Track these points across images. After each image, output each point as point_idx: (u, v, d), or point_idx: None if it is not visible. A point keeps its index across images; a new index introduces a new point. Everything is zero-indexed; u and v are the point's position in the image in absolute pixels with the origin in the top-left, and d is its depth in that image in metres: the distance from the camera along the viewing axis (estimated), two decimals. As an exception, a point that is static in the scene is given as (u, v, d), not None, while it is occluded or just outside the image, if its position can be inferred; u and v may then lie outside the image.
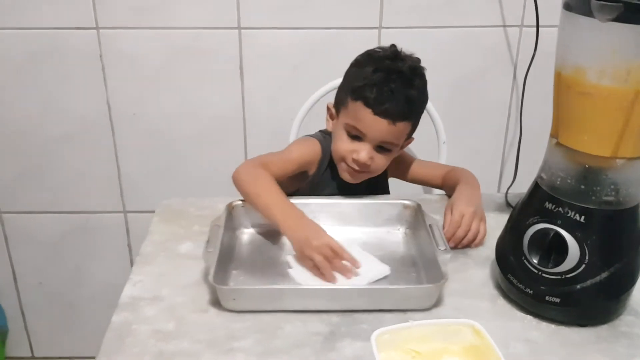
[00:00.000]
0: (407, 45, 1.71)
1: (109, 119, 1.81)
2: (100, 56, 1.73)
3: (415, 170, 1.37)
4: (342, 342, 0.90)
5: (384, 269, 1.05)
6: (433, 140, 1.61)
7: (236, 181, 1.16)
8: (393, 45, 1.25)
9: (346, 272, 1.02)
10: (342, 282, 1.01)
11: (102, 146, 1.85)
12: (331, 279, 1.01)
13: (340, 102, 1.25)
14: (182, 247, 1.13)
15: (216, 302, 0.97)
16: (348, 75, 1.26)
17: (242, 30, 1.71)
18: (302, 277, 1.03)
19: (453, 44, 1.74)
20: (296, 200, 1.14)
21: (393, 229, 1.18)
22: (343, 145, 1.22)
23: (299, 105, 1.60)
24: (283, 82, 1.76)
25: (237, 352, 0.88)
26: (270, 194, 1.12)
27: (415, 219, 1.16)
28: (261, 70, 1.76)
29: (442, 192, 1.35)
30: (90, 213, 1.95)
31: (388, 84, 1.16)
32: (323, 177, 1.30)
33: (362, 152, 1.19)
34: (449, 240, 1.10)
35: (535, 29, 1.56)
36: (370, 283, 1.02)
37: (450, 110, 1.72)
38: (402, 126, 1.19)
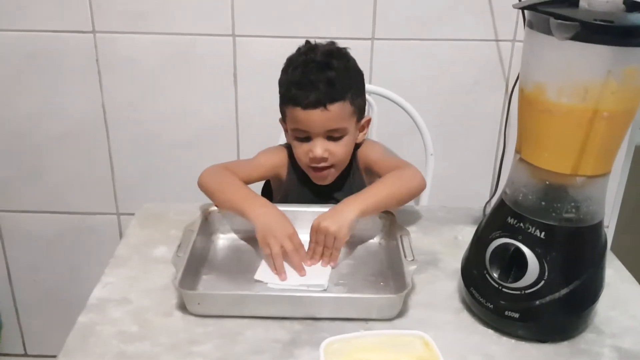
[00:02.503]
0: (399, 56, 1.74)
1: (104, 122, 1.84)
2: (97, 60, 1.76)
3: (376, 164, 1.33)
4: (302, 349, 0.91)
5: (322, 282, 1.05)
6: (421, 152, 1.62)
7: (201, 184, 1.21)
8: (307, 42, 1.28)
9: (299, 270, 1.05)
10: (287, 283, 1.04)
11: (96, 148, 1.87)
12: (280, 271, 1.04)
13: (282, 114, 1.29)
14: (157, 251, 1.15)
15: (182, 307, 0.99)
16: (279, 86, 1.29)
17: (237, 38, 1.73)
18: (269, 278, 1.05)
19: (445, 57, 1.75)
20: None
21: (367, 238, 1.19)
22: (298, 151, 1.25)
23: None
24: (275, 89, 1.77)
25: (195, 357, 0.89)
26: (235, 188, 1.17)
27: (390, 229, 1.17)
28: (255, 77, 1.77)
29: (418, 204, 1.36)
30: (85, 214, 1.98)
31: (306, 76, 1.19)
32: (297, 185, 1.32)
33: (316, 148, 1.22)
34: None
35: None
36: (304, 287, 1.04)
37: (441, 122, 1.73)
38: (337, 108, 1.20)
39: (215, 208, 1.19)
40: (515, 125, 1.56)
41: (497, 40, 1.73)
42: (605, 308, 1.01)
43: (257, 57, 1.75)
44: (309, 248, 1.10)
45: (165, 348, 0.91)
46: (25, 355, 2.23)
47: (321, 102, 1.18)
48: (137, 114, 1.83)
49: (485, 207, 1.32)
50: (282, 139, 1.60)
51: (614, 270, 1.13)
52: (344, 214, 1.09)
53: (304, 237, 1.11)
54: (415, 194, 1.22)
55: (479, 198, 1.84)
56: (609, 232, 1.97)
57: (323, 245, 1.08)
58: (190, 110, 1.82)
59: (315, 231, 1.08)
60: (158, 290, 1.04)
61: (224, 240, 1.19)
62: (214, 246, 1.17)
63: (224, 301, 0.97)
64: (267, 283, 1.05)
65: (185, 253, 1.03)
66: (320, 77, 1.19)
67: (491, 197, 1.40)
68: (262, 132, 1.81)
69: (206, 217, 1.17)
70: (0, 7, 1.70)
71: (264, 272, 1.07)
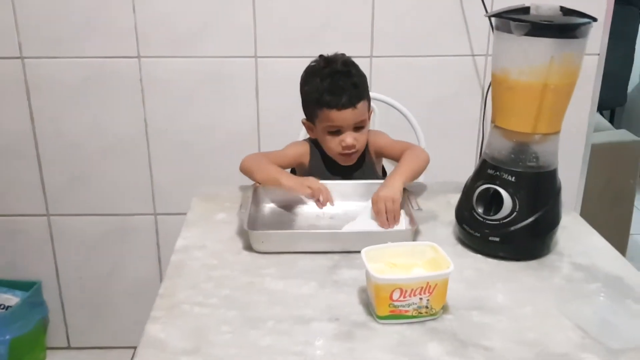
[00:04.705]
0: (393, 70, 2.09)
1: (145, 134, 2.17)
2: (140, 80, 2.09)
3: (386, 148, 1.66)
4: (342, 270, 1.24)
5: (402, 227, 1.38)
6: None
7: (242, 168, 1.54)
8: (321, 55, 1.60)
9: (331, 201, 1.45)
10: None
11: (138, 157, 2.20)
12: (327, 200, 1.44)
13: (311, 115, 1.60)
14: (218, 216, 1.47)
15: (248, 248, 1.31)
16: (304, 94, 1.60)
17: (258, 59, 2.08)
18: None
19: (431, 69, 2.11)
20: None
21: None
22: (331, 143, 1.57)
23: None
24: (291, 102, 2.09)
25: (264, 276, 1.22)
26: (270, 167, 1.52)
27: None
28: (274, 92, 2.12)
29: (423, 179, 1.68)
30: (126, 215, 2.28)
31: (336, 83, 1.52)
32: (321, 169, 1.64)
33: (347, 138, 1.54)
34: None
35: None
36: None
37: (430, 122, 2.06)
38: (362, 105, 1.54)
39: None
40: (489, 121, 1.93)
41: (473, 55, 2.10)
42: (564, 240, 1.35)
43: (275, 75, 2.10)
44: (379, 220, 1.38)
45: (241, 272, 1.23)
46: (69, 347, 2.48)
47: (351, 103, 1.51)
48: (173, 126, 2.16)
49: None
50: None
51: (572, 219, 1.47)
52: (394, 184, 1.41)
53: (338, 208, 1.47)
54: (427, 165, 1.56)
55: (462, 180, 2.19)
56: (575, 216, 2.31)
57: (386, 211, 1.37)
58: (218, 122, 2.15)
59: (376, 202, 1.38)
60: (226, 239, 1.36)
61: (268, 208, 1.51)
62: (261, 212, 1.49)
63: (282, 238, 1.31)
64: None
65: (246, 209, 1.36)
66: (347, 82, 1.52)
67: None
68: (280, 140, 2.12)
69: (255, 190, 1.49)
70: (60, 38, 2.04)
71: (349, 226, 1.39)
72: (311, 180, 1.47)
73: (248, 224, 1.32)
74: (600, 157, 2.46)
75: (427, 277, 1.04)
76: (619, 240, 2.63)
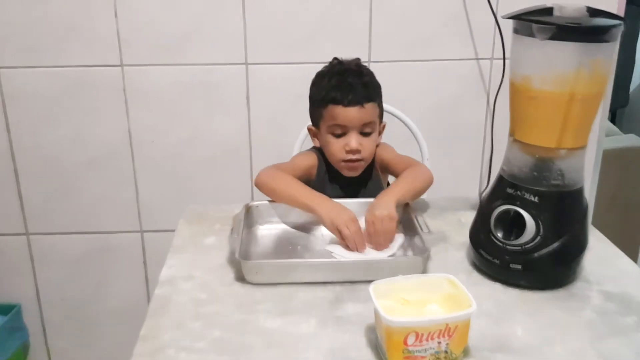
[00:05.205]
0: (393, 76, 1.97)
1: (129, 146, 2.03)
2: (124, 90, 1.96)
3: (390, 163, 1.53)
4: (345, 304, 1.10)
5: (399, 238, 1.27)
6: (418, 158, 1.83)
7: (261, 184, 1.39)
8: (335, 58, 1.50)
9: (361, 249, 1.24)
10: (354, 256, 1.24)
11: (122, 171, 2.06)
12: (361, 247, 1.24)
13: (316, 118, 1.48)
14: (207, 240, 1.34)
15: (239, 278, 1.18)
16: (312, 97, 1.50)
17: (249, 66, 1.95)
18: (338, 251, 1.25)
19: (433, 75, 1.99)
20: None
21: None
22: (334, 146, 1.44)
23: (299, 131, 1.82)
24: (285, 111, 1.99)
25: (260, 312, 1.08)
26: (297, 186, 1.36)
27: (405, 213, 1.36)
28: (265, 100, 1.99)
29: (428, 195, 1.56)
30: (110, 233, 2.15)
31: (345, 80, 1.41)
32: (324, 181, 1.51)
33: (351, 140, 1.42)
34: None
35: (502, 60, 1.81)
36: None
37: (432, 131, 1.94)
38: (370, 107, 1.42)
39: (255, 204, 1.38)
40: (497, 129, 1.81)
41: (477, 59, 1.97)
42: (590, 264, 1.22)
43: (267, 82, 1.97)
44: (369, 240, 1.27)
45: (233, 308, 1.10)
46: (52, 373, 2.36)
47: (359, 101, 1.40)
48: (159, 137, 2.03)
49: (481, 194, 1.53)
50: (293, 154, 1.80)
51: (595, 239, 1.35)
52: (387, 202, 1.28)
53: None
54: (429, 186, 1.43)
55: (469, 191, 2.07)
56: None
57: (381, 233, 1.25)
58: (208, 133, 2.02)
59: (372, 222, 1.25)
60: (216, 268, 1.23)
61: (262, 230, 1.38)
62: (254, 235, 1.36)
63: (278, 268, 1.17)
64: (333, 253, 1.25)
65: (238, 235, 1.22)
66: (357, 81, 1.41)
67: (486, 187, 1.62)
68: (273, 148, 2.02)
69: (248, 210, 1.36)
70: (38, 46, 1.91)
71: (334, 247, 1.27)
72: (344, 221, 1.25)
73: (240, 252, 1.19)
74: (609, 164, 2.34)
75: (446, 319, 0.91)
76: (629, 250, 2.51)
